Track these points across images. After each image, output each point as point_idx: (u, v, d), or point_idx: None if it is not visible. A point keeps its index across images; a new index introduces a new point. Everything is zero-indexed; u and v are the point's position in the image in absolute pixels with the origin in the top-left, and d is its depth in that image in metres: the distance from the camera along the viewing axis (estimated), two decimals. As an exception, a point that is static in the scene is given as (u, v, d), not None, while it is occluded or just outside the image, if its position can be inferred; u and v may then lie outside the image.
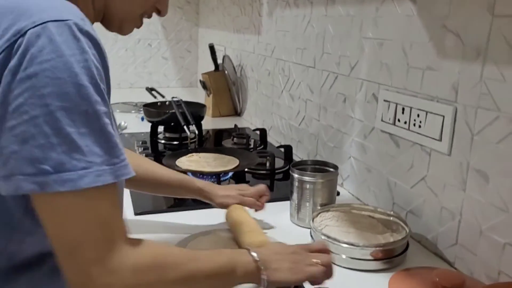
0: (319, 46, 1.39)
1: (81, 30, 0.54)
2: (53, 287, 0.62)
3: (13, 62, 0.51)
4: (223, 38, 2.42)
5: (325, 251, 0.75)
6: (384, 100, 1.07)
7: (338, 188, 1.26)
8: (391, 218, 0.99)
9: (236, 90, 2.15)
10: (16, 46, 0.51)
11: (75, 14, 0.55)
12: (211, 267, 0.63)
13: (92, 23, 0.71)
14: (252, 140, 1.64)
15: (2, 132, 0.52)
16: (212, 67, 2.22)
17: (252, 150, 1.54)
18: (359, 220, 1.00)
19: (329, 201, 1.05)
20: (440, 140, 0.90)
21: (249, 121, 2.08)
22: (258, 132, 1.69)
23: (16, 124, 0.51)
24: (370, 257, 0.87)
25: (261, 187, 1.04)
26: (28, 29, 0.52)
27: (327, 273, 0.71)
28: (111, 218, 0.55)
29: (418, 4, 0.95)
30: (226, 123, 1.99)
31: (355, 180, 1.22)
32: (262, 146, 1.62)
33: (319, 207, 1.03)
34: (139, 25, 0.75)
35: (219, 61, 2.23)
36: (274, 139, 1.76)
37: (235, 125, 1.82)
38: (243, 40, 2.11)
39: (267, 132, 1.73)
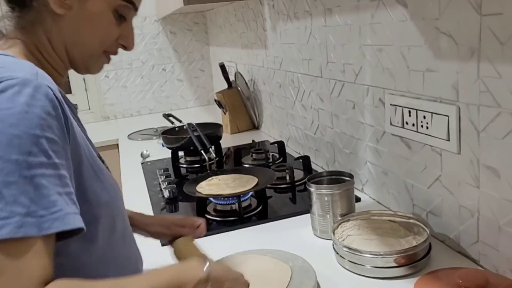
0: (323, 55, 1.40)
1: (30, 85, 0.56)
2: None
3: None
4: (233, 54, 2.46)
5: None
6: (391, 104, 1.07)
7: (359, 194, 1.27)
8: (411, 220, 1.00)
9: (251, 105, 2.18)
10: None
11: (27, 71, 0.58)
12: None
13: (65, 70, 0.75)
14: (271, 154, 1.67)
15: None
16: (224, 83, 2.26)
17: (271, 164, 1.56)
18: (380, 225, 1.01)
19: (348, 211, 1.07)
20: (448, 140, 0.90)
21: (268, 133, 2.10)
22: (276, 145, 1.71)
23: None
24: (394, 264, 0.88)
25: (197, 218, 0.94)
26: None
27: None
28: (29, 271, 0.53)
29: (409, 9, 0.96)
30: (245, 138, 2.02)
31: (374, 184, 1.23)
32: (281, 159, 1.65)
33: (339, 218, 1.05)
34: (106, 61, 0.76)
35: (232, 78, 2.27)
36: (293, 150, 1.78)
37: (253, 141, 1.85)
38: (252, 55, 2.14)
39: (286, 143, 1.76)
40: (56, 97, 0.59)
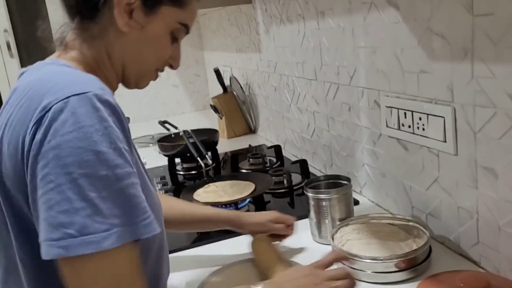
0: (317, 58, 1.40)
1: (101, 100, 0.59)
2: None
3: (38, 136, 0.56)
4: (227, 59, 2.46)
5: (339, 259, 0.75)
6: (386, 106, 1.07)
7: (357, 196, 1.26)
8: (411, 223, 0.99)
9: (247, 109, 2.18)
10: (42, 121, 0.57)
11: (95, 86, 0.60)
12: None
13: (117, 84, 0.78)
14: (268, 159, 1.66)
15: (36, 202, 0.57)
16: (219, 88, 2.26)
17: (268, 169, 1.55)
18: (379, 229, 1.01)
19: (347, 215, 1.06)
20: (445, 141, 0.89)
21: (264, 137, 2.10)
22: (273, 149, 1.70)
23: (43, 192, 0.56)
24: (394, 269, 0.87)
25: (289, 217, 1.03)
26: (52, 105, 0.57)
27: (349, 285, 0.72)
28: (129, 276, 0.59)
29: (401, 10, 0.95)
30: (242, 143, 2.01)
31: (372, 186, 1.22)
32: (278, 163, 1.64)
33: (338, 222, 1.04)
34: (154, 78, 0.81)
35: (227, 82, 2.27)
36: (290, 153, 1.78)
37: (250, 145, 1.84)
38: (246, 59, 2.14)
39: (283, 146, 1.75)
40: (121, 111, 0.62)
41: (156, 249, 0.75)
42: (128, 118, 0.78)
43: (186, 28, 0.76)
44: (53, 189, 0.55)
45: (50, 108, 0.57)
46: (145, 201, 0.61)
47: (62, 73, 0.66)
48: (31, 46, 2.67)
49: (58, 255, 0.55)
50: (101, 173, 0.56)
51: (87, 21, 0.71)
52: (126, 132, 0.62)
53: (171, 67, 0.81)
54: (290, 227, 1.02)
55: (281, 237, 1.02)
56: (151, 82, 0.81)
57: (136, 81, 0.78)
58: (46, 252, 0.55)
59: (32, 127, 0.57)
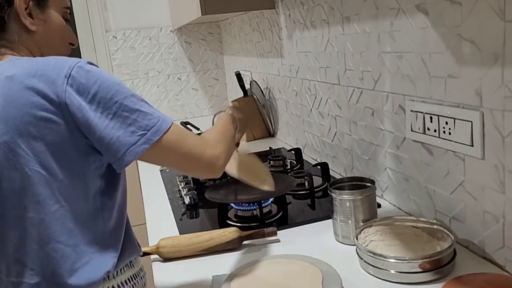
0: (341, 63, 1.42)
1: (90, 62, 0.82)
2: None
3: (78, 85, 0.78)
4: (248, 63, 2.49)
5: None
6: (411, 111, 1.08)
7: (379, 200, 1.27)
8: (435, 226, 1.00)
9: (267, 113, 2.20)
10: (75, 76, 0.78)
11: (75, 59, 0.82)
12: None
13: None
14: (288, 161, 1.68)
15: (100, 132, 0.78)
16: (240, 91, 2.29)
17: (289, 171, 1.57)
18: (403, 231, 1.02)
19: (370, 216, 1.07)
20: (472, 145, 0.91)
21: (283, 141, 2.12)
22: (293, 152, 1.72)
23: (108, 122, 0.78)
24: (419, 269, 0.88)
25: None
26: (74, 65, 0.79)
27: None
28: (190, 133, 0.89)
29: (430, 16, 0.97)
30: (261, 145, 2.03)
31: (394, 190, 1.23)
32: (298, 166, 1.66)
33: (361, 223, 1.05)
34: (70, 49, 0.99)
35: (247, 86, 2.29)
36: (309, 157, 1.79)
37: (270, 148, 1.86)
38: (267, 64, 2.16)
39: (302, 150, 1.77)
40: None
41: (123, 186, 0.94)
42: None
43: (68, 9, 0.96)
44: (113, 117, 0.78)
45: (73, 68, 0.78)
46: None
47: (44, 58, 0.84)
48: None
49: (144, 149, 0.79)
50: (130, 92, 0.81)
51: (3, 32, 0.88)
52: None
53: (72, 45, 0.99)
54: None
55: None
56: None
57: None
58: (135, 153, 0.79)
59: (66, 83, 0.77)
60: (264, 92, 2.23)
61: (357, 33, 1.29)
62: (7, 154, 0.78)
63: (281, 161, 1.65)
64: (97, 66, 0.82)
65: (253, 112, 2.19)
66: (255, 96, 2.19)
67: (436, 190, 1.05)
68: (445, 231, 0.97)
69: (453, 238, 0.93)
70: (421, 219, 1.03)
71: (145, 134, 0.79)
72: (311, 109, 1.72)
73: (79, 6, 2.69)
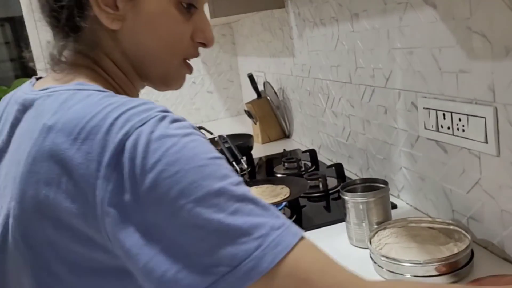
0: (351, 61, 1.39)
1: (174, 119, 0.51)
2: None
3: (126, 185, 0.46)
4: (261, 64, 2.47)
5: None
6: (424, 108, 1.05)
7: (395, 200, 1.24)
8: (451, 226, 0.96)
9: (281, 114, 2.18)
10: (109, 178, 0.46)
11: (156, 107, 0.52)
12: None
13: (138, 91, 0.67)
14: (303, 163, 1.66)
15: (152, 254, 0.45)
16: (254, 94, 2.27)
17: (304, 173, 1.55)
18: (419, 233, 0.99)
19: (384, 218, 1.04)
20: (486, 142, 0.87)
21: (299, 141, 2.09)
22: (308, 153, 1.70)
23: (153, 251, 0.45)
24: (435, 273, 0.85)
25: None
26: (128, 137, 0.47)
27: None
28: (331, 259, 0.52)
29: (439, 9, 0.94)
30: (277, 147, 2.01)
31: (410, 190, 1.20)
32: (313, 167, 1.63)
33: (375, 226, 1.02)
34: (187, 71, 0.67)
35: (261, 88, 2.28)
36: (325, 157, 1.77)
37: (284, 150, 1.84)
38: (279, 64, 2.14)
39: (317, 151, 1.74)
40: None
41: None
42: None
43: None
44: (172, 240, 0.44)
45: (126, 141, 0.47)
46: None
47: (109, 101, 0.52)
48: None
49: None
50: (214, 187, 0.46)
51: (75, 33, 0.59)
52: None
53: (204, 45, 0.65)
54: None
55: None
56: (185, 88, 0.69)
57: (162, 80, 0.66)
58: None
59: (102, 176, 0.46)
60: (277, 93, 2.21)
61: (367, 29, 1.26)
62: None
63: (295, 163, 1.62)
64: (182, 130, 0.50)
65: (268, 114, 2.17)
66: (268, 98, 2.17)
67: (453, 189, 1.02)
68: (462, 231, 0.93)
69: (470, 239, 0.89)
70: (437, 219, 1.00)
71: (226, 275, 0.44)
72: (325, 109, 1.69)
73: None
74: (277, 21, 2.05)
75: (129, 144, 0.46)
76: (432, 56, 0.99)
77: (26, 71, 2.84)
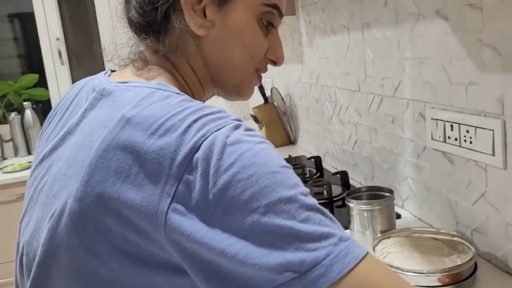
0: (361, 69, 1.39)
1: (248, 128, 0.52)
2: None
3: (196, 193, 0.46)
4: (269, 70, 2.47)
5: None
6: (432, 118, 1.05)
7: (399, 210, 1.24)
8: (455, 238, 0.96)
9: (287, 120, 2.18)
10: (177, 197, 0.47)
11: (231, 115, 0.52)
12: None
13: (208, 99, 0.70)
14: (308, 170, 1.66)
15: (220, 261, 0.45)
16: (260, 99, 2.28)
17: (308, 179, 1.55)
18: (422, 243, 0.99)
19: (389, 227, 1.04)
20: (494, 154, 0.87)
21: (304, 148, 2.09)
22: (313, 160, 1.70)
23: (234, 252, 0.44)
24: (437, 283, 0.85)
25: None
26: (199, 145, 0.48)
27: None
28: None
29: (450, 22, 0.94)
30: (282, 153, 2.02)
31: (415, 200, 1.20)
32: (318, 174, 1.63)
33: (379, 234, 1.02)
34: (257, 82, 0.70)
35: (268, 93, 2.28)
36: (330, 165, 1.77)
37: (289, 156, 1.85)
38: (288, 70, 2.15)
39: (322, 158, 1.74)
40: None
41: None
42: None
43: (276, 9, 0.64)
44: (241, 239, 0.45)
45: (202, 143, 0.48)
46: None
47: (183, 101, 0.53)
48: (81, 54, 2.78)
49: None
50: (285, 195, 0.46)
51: (159, 34, 0.62)
52: None
53: (274, 63, 0.68)
54: None
55: None
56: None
57: (235, 89, 0.68)
58: None
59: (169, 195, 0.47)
60: (284, 99, 2.22)
61: (377, 38, 1.26)
62: None
63: (300, 169, 1.63)
64: (251, 137, 0.50)
65: (274, 119, 2.18)
66: (275, 103, 2.18)
67: (458, 201, 1.02)
68: (466, 243, 0.93)
69: (474, 251, 0.89)
70: (441, 231, 1.00)
71: (292, 280, 0.44)
72: (332, 116, 1.70)
73: (102, 13, 2.74)
74: (288, 28, 2.06)
75: (205, 145, 0.47)
76: (442, 67, 0.99)
77: (33, 67, 2.87)
